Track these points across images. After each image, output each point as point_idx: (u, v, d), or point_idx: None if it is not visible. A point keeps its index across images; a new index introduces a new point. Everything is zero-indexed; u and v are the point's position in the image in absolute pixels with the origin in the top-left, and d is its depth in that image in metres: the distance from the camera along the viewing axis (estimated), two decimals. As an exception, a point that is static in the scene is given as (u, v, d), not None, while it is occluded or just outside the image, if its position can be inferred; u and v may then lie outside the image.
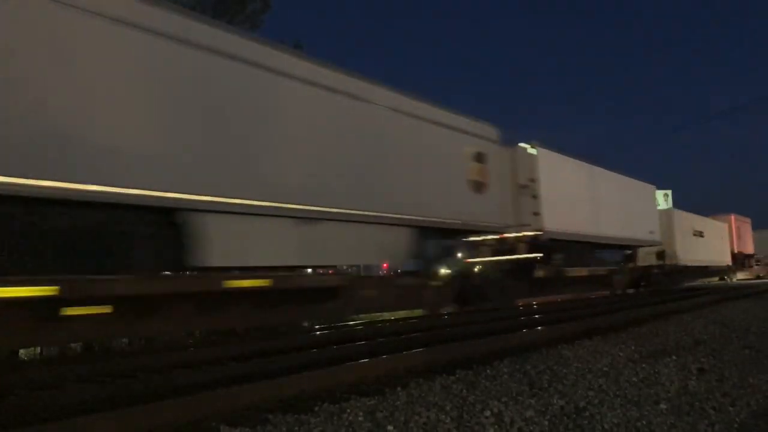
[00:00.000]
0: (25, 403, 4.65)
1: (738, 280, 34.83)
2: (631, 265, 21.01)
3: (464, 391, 4.65)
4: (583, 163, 17.11)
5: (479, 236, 13.18)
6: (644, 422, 4.11)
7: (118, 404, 4.37)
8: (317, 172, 8.44)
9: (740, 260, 34.76)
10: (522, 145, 14.60)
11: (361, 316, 12.08)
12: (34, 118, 5.63)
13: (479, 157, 12.05)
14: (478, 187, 11.95)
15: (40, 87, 5.72)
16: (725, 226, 32.35)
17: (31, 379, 5.65)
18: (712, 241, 29.14)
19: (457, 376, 5.22)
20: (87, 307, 6.01)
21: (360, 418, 3.87)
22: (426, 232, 10.64)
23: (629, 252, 20.71)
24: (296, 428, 3.67)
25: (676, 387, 5.17)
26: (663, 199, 40.71)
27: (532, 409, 4.21)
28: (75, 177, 5.81)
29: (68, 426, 3.58)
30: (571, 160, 16.46)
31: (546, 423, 3.96)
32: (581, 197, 16.53)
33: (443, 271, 11.92)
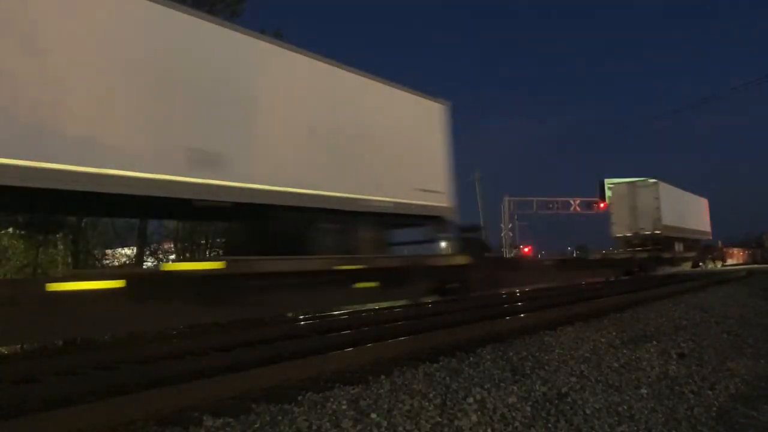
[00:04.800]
0: (7, 396, 4.60)
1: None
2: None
3: (447, 378, 4.68)
4: (677, 189, 28.04)
5: None
6: (625, 407, 4.17)
7: (101, 396, 4.34)
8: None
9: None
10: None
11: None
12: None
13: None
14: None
15: None
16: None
17: (13, 373, 5.58)
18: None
19: (440, 363, 5.25)
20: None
21: (344, 407, 3.88)
22: None
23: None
24: (280, 417, 3.66)
25: (656, 372, 5.24)
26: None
27: (515, 395, 4.25)
28: None
29: (54, 417, 3.54)
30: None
31: (528, 409, 3.99)
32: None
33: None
